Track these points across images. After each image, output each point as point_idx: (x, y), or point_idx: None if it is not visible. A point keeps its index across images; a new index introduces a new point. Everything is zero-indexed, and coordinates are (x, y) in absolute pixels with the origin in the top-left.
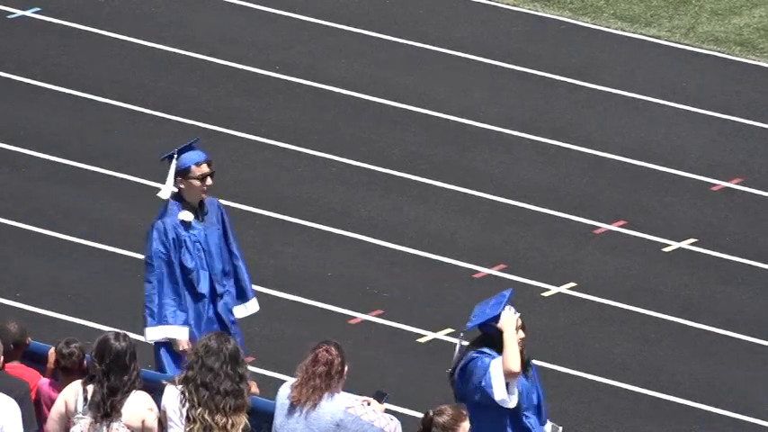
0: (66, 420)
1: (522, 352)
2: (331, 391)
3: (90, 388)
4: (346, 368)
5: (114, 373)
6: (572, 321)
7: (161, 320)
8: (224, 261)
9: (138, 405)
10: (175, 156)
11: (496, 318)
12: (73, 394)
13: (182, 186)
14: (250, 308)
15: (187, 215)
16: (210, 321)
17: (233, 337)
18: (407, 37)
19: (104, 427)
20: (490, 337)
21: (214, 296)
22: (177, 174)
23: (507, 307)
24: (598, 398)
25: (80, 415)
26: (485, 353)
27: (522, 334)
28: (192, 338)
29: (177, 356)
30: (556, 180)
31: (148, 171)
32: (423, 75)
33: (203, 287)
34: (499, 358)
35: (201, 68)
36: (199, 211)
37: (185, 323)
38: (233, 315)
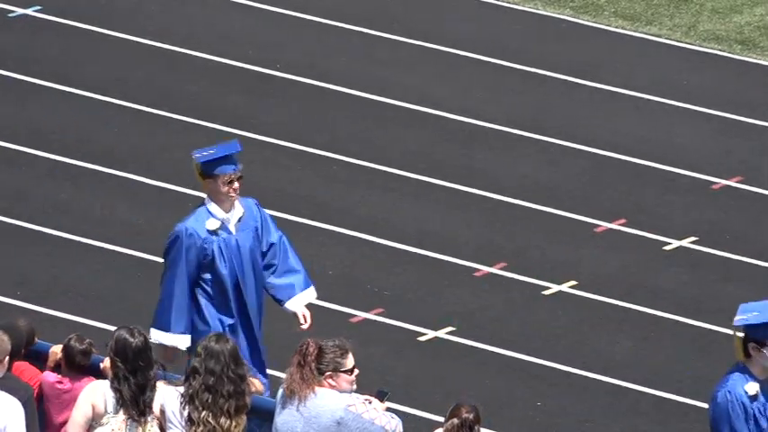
0: (92, 422)
1: None
2: (311, 386)
3: (118, 387)
4: (344, 367)
5: (140, 371)
6: (572, 320)
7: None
8: None
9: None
10: None
11: None
12: (100, 396)
13: None
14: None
15: None
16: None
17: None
18: (408, 35)
19: (139, 425)
20: None
21: None
22: None
23: None
24: (598, 396)
25: (111, 414)
26: None
27: None
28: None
29: None
30: (556, 178)
31: (149, 169)
32: (423, 73)
33: None
34: None
35: (202, 67)
36: None
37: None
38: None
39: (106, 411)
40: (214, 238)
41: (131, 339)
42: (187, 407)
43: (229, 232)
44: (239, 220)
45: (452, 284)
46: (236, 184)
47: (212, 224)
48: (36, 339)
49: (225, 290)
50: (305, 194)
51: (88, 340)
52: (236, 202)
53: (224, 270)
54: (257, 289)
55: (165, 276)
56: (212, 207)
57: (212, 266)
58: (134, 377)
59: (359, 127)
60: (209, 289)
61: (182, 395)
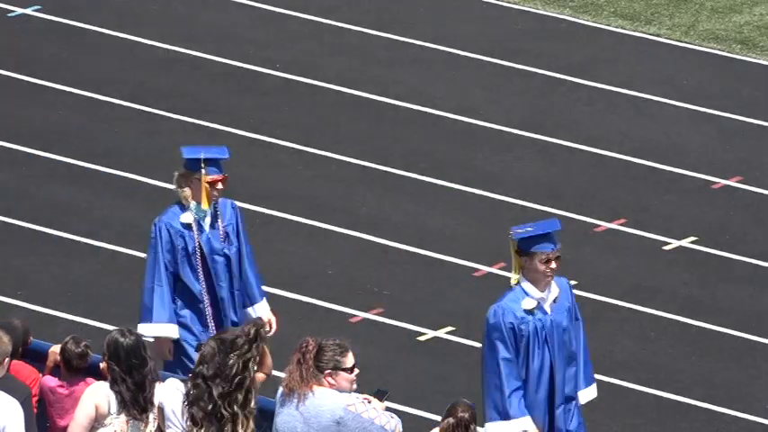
0: (94, 423)
1: None
2: (309, 385)
3: (118, 389)
4: (344, 366)
5: (135, 369)
6: None
7: None
8: None
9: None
10: None
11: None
12: (103, 397)
13: None
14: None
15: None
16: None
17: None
18: (408, 35)
19: (141, 422)
20: None
21: None
22: None
23: None
24: (598, 396)
25: (114, 415)
26: None
27: None
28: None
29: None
30: (556, 178)
31: (149, 169)
32: (423, 73)
33: None
34: None
35: (202, 66)
36: None
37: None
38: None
39: (110, 412)
40: (530, 318)
41: (122, 339)
42: (189, 407)
43: (545, 312)
44: (554, 300)
45: (452, 284)
46: (554, 264)
47: (528, 304)
48: (30, 339)
49: (539, 371)
50: (305, 193)
51: (84, 342)
52: (552, 281)
53: (538, 351)
54: (567, 370)
55: (486, 363)
56: (527, 286)
57: (527, 347)
58: (130, 377)
59: (359, 127)
60: (522, 371)
61: (185, 394)
